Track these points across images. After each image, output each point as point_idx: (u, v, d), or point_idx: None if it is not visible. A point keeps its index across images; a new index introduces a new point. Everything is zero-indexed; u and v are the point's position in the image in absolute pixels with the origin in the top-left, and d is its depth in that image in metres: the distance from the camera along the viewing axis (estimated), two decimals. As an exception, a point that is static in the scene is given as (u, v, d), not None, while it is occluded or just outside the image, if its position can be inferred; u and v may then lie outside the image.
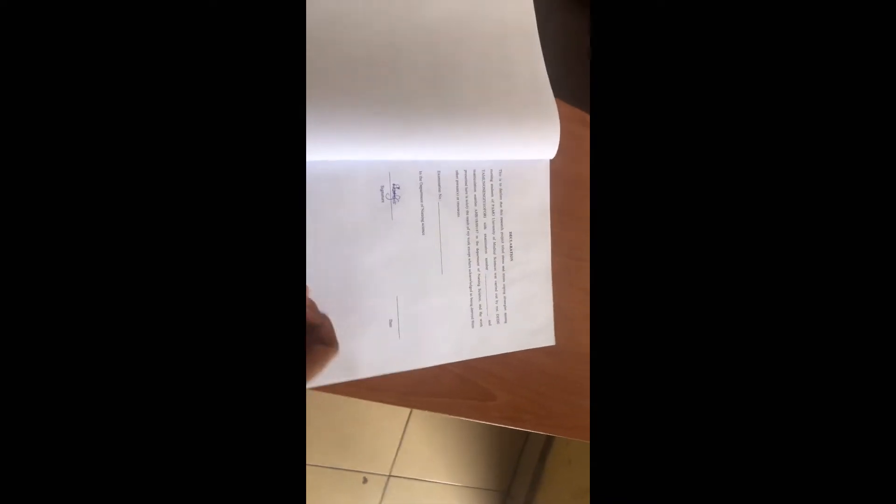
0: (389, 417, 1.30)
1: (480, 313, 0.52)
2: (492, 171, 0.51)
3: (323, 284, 0.46)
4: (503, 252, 0.52)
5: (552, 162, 0.53)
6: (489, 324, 0.52)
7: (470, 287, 0.51)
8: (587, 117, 0.55)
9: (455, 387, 0.51)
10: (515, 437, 1.43)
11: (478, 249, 0.51)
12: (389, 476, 1.31)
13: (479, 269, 0.51)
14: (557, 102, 0.51)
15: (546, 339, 0.55)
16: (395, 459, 1.31)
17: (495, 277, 0.52)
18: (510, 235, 0.52)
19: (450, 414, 0.51)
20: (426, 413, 1.30)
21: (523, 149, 0.50)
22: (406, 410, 1.31)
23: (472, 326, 0.51)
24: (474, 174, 0.50)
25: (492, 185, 0.51)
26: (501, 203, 0.51)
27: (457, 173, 0.50)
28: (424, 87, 0.46)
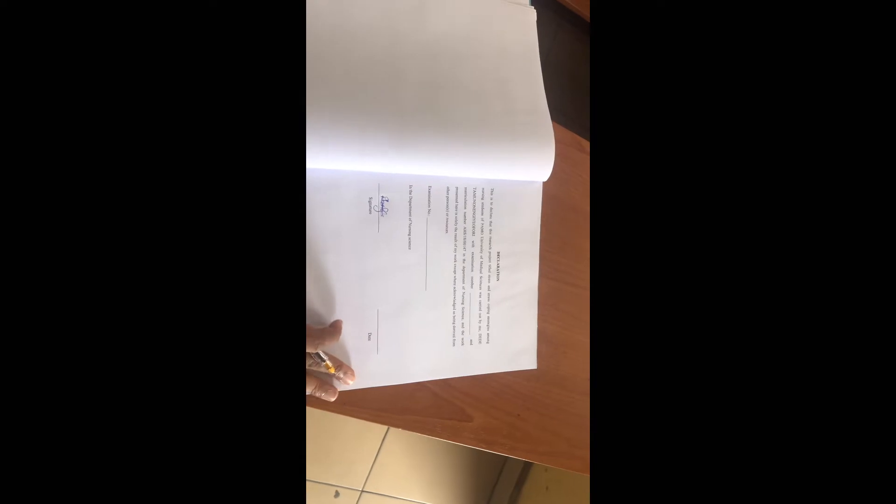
0: (366, 431, 1.27)
1: (462, 332, 0.51)
2: (483, 189, 0.50)
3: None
4: (490, 272, 0.51)
5: (546, 184, 0.52)
6: (471, 343, 0.51)
7: (454, 305, 0.50)
8: (583, 142, 0.55)
9: (431, 405, 0.50)
10: (493, 460, 1.40)
11: (464, 268, 0.50)
12: (362, 491, 1.28)
13: (464, 288, 0.51)
14: (554, 126, 0.50)
15: (528, 362, 0.54)
16: (369, 474, 1.28)
17: (480, 297, 0.51)
18: (498, 255, 0.52)
19: (424, 433, 0.49)
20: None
21: (517, 169, 0.50)
22: (383, 425, 1.27)
23: (454, 345, 0.51)
24: (465, 192, 0.50)
25: (482, 203, 0.50)
26: (491, 222, 0.51)
27: (447, 190, 0.49)
28: (421, 102, 0.46)
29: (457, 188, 0.49)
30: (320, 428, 1.22)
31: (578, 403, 0.56)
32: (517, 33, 0.52)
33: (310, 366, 0.43)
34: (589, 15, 0.57)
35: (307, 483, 1.22)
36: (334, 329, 0.45)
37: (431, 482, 1.34)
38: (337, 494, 1.25)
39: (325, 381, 0.45)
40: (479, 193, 0.50)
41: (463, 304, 0.51)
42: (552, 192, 0.53)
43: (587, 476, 0.58)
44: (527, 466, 1.35)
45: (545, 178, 0.51)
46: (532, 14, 0.52)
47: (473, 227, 0.50)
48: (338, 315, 0.46)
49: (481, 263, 0.51)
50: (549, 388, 0.55)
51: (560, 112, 0.51)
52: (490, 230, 0.51)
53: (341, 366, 0.45)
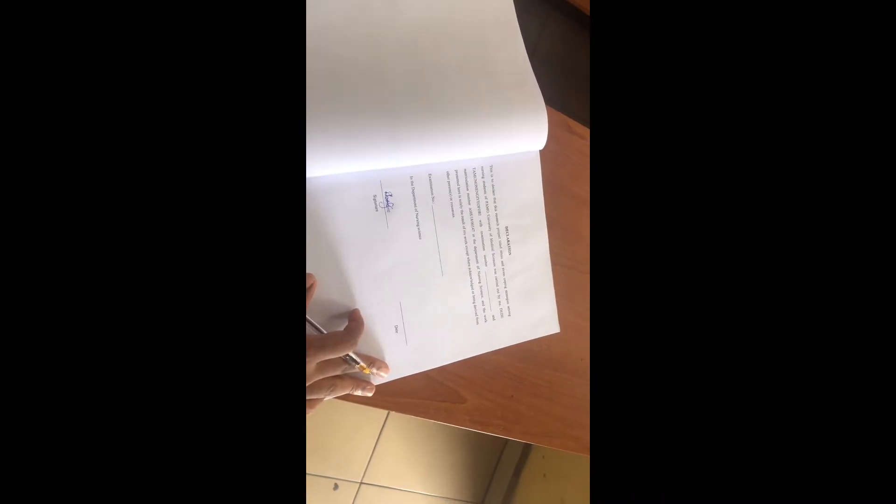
0: (363, 423, 1.25)
1: (484, 310, 0.52)
2: (482, 168, 0.50)
3: (325, 298, 0.46)
4: (501, 247, 0.52)
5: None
6: (493, 319, 0.53)
7: (471, 285, 0.51)
8: (571, 122, 0.55)
9: (425, 388, 0.50)
10: (491, 449, 1.39)
11: (475, 248, 0.51)
12: (361, 483, 1.27)
13: (478, 267, 0.51)
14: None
15: (550, 327, 0.55)
16: (367, 466, 1.26)
17: (495, 273, 0.52)
18: (506, 230, 0.52)
19: (418, 416, 0.50)
20: (401, 420, 1.25)
21: (512, 143, 0.50)
22: (381, 417, 1.25)
23: (477, 323, 0.52)
24: (465, 173, 0.50)
25: (484, 182, 0.51)
26: (495, 199, 0.51)
27: (448, 175, 0.49)
28: (408, 92, 0.46)
29: (456, 171, 0.50)
30: (318, 420, 1.20)
31: (571, 384, 0.57)
32: (493, 4, 0.51)
33: (344, 370, 0.45)
34: (579, 3, 0.55)
35: (306, 476, 1.22)
36: (356, 324, 0.45)
37: (430, 472, 1.34)
38: (336, 487, 1.24)
39: (362, 379, 0.46)
40: (478, 173, 0.50)
41: (480, 283, 0.52)
42: (543, 174, 0.53)
43: (585, 463, 0.60)
44: (524, 455, 1.34)
45: (541, 147, 0.51)
46: (503, -20, 0.51)
47: (479, 207, 0.51)
48: (363, 313, 0.47)
49: (491, 241, 0.52)
50: (542, 370, 0.55)
51: (551, 102, 0.50)
52: (495, 207, 0.52)
53: (374, 362, 0.47)
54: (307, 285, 0.43)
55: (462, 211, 0.50)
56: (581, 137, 0.56)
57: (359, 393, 0.46)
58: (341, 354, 0.43)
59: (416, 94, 0.46)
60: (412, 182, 0.48)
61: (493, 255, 0.52)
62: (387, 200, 0.47)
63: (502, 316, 0.53)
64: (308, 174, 0.43)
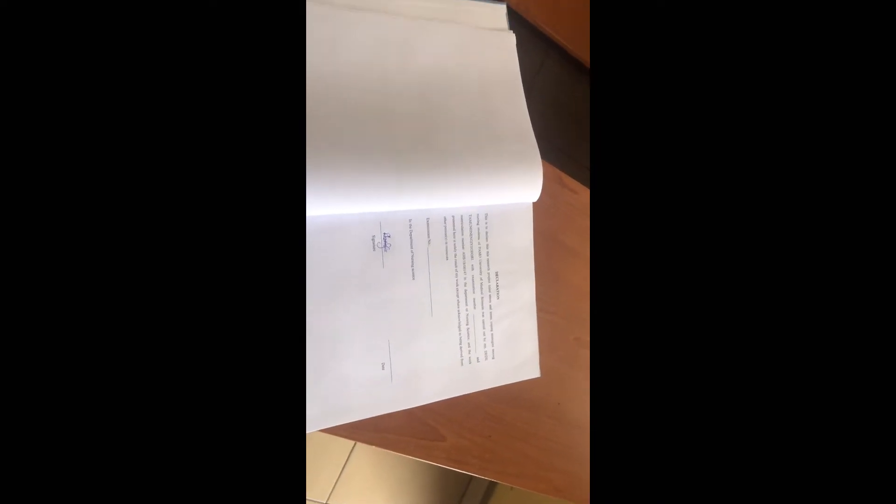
0: (332, 443, 1.25)
1: (469, 351, 0.54)
2: (478, 215, 0.52)
3: (317, 332, 0.46)
4: (490, 291, 0.54)
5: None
6: (478, 361, 0.54)
7: (459, 327, 0.53)
8: (563, 176, 0.57)
9: (405, 425, 0.51)
10: (460, 476, 1.39)
11: (466, 291, 0.53)
12: (327, 503, 1.28)
13: (467, 310, 0.53)
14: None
15: (531, 371, 0.57)
16: (334, 486, 1.26)
17: (483, 316, 0.54)
18: (496, 275, 0.54)
19: (398, 451, 0.51)
20: (371, 442, 1.26)
21: (508, 193, 0.52)
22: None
23: (462, 364, 0.53)
24: (461, 219, 0.52)
25: (478, 228, 0.53)
26: (488, 245, 0.53)
27: (445, 219, 0.51)
28: (414, 139, 0.47)
29: (453, 217, 0.51)
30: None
31: (547, 427, 0.59)
32: (499, 59, 0.53)
33: None
34: (574, 49, 0.58)
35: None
36: None
37: (397, 495, 1.33)
38: (300, 506, 1.23)
39: None
40: (474, 220, 0.52)
41: (468, 325, 0.53)
42: (534, 225, 0.55)
43: (552, 499, 0.61)
44: (492, 485, 1.34)
45: (535, 199, 0.54)
46: (511, 38, 0.54)
47: (472, 252, 0.53)
48: (351, 349, 0.48)
49: (481, 285, 0.53)
50: (519, 412, 0.57)
51: (545, 140, 0.53)
52: (487, 253, 0.53)
53: None
54: None
55: (456, 255, 0.52)
56: (572, 191, 0.58)
57: None
58: None
59: (421, 142, 0.47)
60: (411, 225, 0.49)
61: (482, 298, 0.54)
62: (385, 241, 0.49)
63: (486, 358, 0.54)
64: (311, 213, 0.44)
